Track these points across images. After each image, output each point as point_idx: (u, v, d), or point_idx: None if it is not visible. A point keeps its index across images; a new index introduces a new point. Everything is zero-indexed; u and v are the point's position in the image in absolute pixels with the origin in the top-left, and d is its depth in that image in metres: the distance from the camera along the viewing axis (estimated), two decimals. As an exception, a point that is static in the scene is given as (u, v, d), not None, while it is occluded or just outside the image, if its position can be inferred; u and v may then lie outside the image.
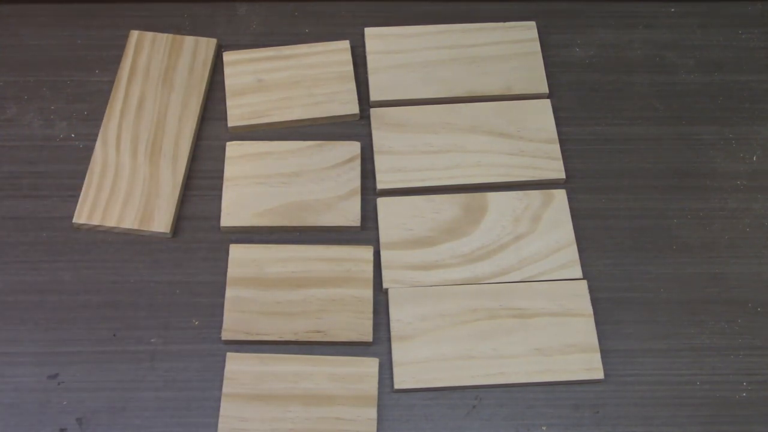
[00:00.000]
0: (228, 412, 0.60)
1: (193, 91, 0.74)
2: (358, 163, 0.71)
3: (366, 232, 0.69)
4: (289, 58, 0.76)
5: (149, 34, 0.77)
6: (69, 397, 0.61)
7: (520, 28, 0.78)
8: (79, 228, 0.68)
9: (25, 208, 0.69)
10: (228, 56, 0.76)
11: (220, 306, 0.64)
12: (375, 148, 0.72)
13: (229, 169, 0.70)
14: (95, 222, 0.67)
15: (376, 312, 0.64)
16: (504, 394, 0.62)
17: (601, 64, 0.78)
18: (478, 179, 0.70)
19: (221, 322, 0.63)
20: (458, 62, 0.76)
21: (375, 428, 0.59)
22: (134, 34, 0.77)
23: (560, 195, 0.70)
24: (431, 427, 0.61)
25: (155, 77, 0.75)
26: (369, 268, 0.65)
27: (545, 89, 0.75)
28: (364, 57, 0.77)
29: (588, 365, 0.62)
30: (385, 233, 0.68)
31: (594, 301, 0.65)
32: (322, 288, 0.64)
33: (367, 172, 0.71)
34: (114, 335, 0.64)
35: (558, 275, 0.66)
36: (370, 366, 0.62)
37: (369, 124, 0.73)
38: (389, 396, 0.62)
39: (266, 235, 0.68)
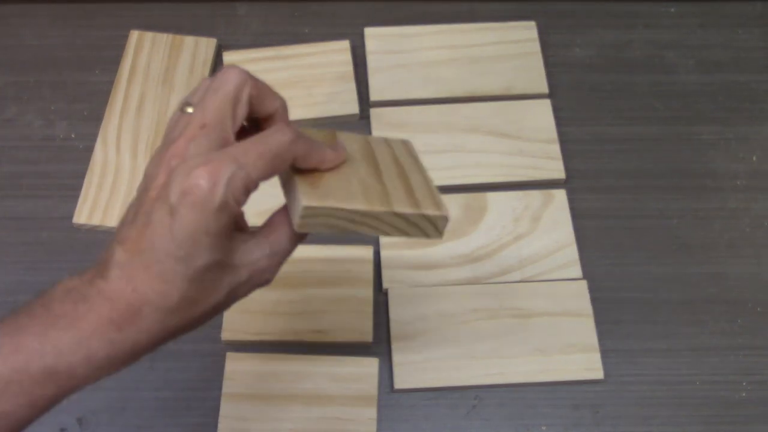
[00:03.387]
0: (228, 412, 0.60)
1: (193, 91, 0.74)
2: (358, 163, 0.71)
3: (366, 232, 0.69)
4: (289, 58, 0.76)
5: (149, 34, 0.77)
6: (69, 397, 0.61)
7: (520, 28, 0.78)
8: (79, 228, 0.68)
9: (25, 208, 0.69)
10: (228, 56, 0.76)
11: (220, 306, 0.64)
12: (375, 148, 0.72)
13: (229, 169, 0.70)
14: (95, 222, 0.67)
15: (376, 312, 0.64)
16: (504, 394, 0.62)
17: (601, 64, 0.78)
18: (478, 179, 0.70)
19: (221, 322, 0.63)
20: (458, 62, 0.76)
21: (375, 428, 0.59)
22: (134, 34, 0.77)
23: (560, 195, 0.70)
24: (431, 427, 0.61)
25: (155, 77, 0.75)
26: (369, 268, 0.65)
27: (545, 89, 0.75)
28: (364, 57, 0.77)
29: (588, 365, 0.62)
30: (385, 233, 0.68)
31: (594, 301, 0.65)
32: (322, 288, 0.64)
33: (367, 172, 0.71)
34: (114, 335, 0.63)
35: (558, 275, 0.66)
36: (369, 366, 0.62)
37: (369, 124, 0.73)
38: (389, 396, 0.62)
39: (266, 235, 0.68)
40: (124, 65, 0.75)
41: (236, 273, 0.40)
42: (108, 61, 0.77)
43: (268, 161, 0.38)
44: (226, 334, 0.63)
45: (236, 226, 0.40)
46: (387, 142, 0.51)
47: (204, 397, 0.61)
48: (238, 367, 0.61)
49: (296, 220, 0.41)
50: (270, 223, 0.43)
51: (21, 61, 0.77)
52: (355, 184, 0.44)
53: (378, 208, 0.43)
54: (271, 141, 0.39)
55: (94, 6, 0.80)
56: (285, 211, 0.43)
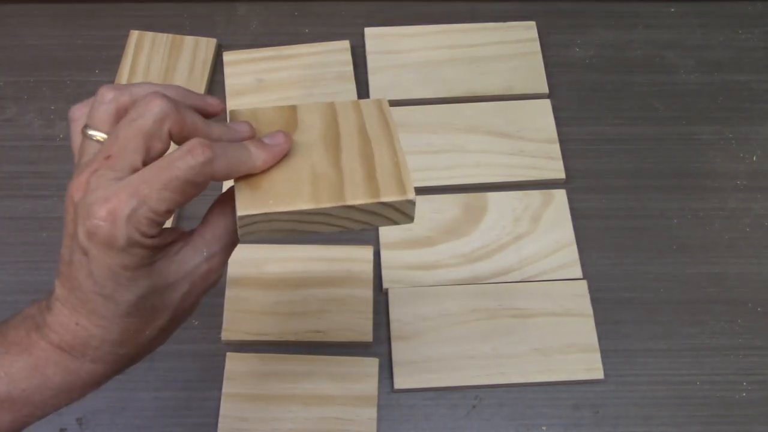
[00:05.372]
0: (228, 412, 0.60)
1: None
2: (358, 163, 0.71)
3: (366, 232, 0.69)
4: (289, 58, 0.76)
5: (149, 34, 0.77)
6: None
7: (520, 28, 0.78)
8: (79, 228, 0.68)
9: (25, 208, 0.69)
10: (228, 56, 0.76)
11: (220, 306, 0.64)
12: (375, 148, 0.71)
13: (229, 169, 0.70)
14: (95, 222, 0.67)
15: (376, 312, 0.64)
16: (504, 394, 0.62)
17: (601, 64, 0.78)
18: (478, 179, 0.70)
19: (221, 322, 0.63)
20: (458, 62, 0.76)
21: (375, 428, 0.59)
22: (134, 34, 0.77)
23: (560, 195, 0.70)
24: (431, 427, 0.61)
25: (155, 77, 0.75)
26: (369, 268, 0.65)
27: (545, 89, 0.75)
28: (364, 57, 0.77)
29: (588, 365, 0.62)
30: (384, 233, 0.68)
31: (594, 301, 0.65)
32: (322, 288, 0.64)
33: (367, 172, 0.71)
34: (114, 335, 0.63)
35: (558, 275, 0.66)
36: (369, 366, 0.62)
37: (369, 124, 0.73)
38: (389, 396, 0.62)
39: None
40: (124, 65, 0.75)
41: (174, 289, 0.38)
42: (108, 61, 0.77)
43: (175, 190, 0.35)
44: (226, 334, 0.63)
45: (164, 242, 0.37)
46: (357, 106, 0.45)
47: (204, 397, 0.61)
48: (238, 367, 0.61)
49: (238, 230, 0.38)
50: (205, 220, 0.40)
51: (21, 61, 0.77)
52: (305, 174, 0.40)
53: (326, 203, 0.38)
54: (178, 166, 0.35)
55: (94, 6, 0.80)
56: (220, 203, 0.40)
